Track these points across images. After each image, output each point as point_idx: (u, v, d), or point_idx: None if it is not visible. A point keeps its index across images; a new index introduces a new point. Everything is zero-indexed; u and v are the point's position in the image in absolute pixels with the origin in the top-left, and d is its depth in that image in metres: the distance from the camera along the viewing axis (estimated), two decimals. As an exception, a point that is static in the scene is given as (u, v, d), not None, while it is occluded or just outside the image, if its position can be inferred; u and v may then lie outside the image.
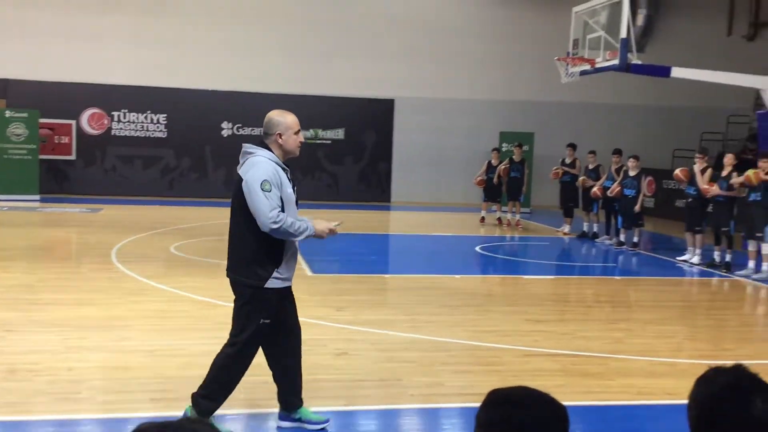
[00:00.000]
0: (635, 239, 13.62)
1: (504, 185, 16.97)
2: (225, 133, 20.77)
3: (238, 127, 20.82)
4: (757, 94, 15.69)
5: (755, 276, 11.02)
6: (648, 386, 5.83)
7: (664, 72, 12.83)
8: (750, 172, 10.83)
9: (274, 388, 4.73)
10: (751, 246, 11.26)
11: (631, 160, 13.49)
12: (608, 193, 13.99)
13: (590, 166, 15.39)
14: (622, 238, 13.92)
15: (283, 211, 4.23)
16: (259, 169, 4.23)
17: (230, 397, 4.56)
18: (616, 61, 12.17)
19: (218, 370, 4.41)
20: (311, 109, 20.93)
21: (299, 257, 10.97)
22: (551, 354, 6.60)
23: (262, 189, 4.15)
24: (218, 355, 4.46)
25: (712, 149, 21.18)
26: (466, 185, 19.16)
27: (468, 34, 21.47)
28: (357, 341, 6.73)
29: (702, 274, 11.64)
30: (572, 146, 15.88)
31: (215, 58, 20.28)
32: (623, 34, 11.91)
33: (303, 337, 6.92)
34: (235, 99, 20.55)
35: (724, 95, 19.96)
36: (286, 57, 20.64)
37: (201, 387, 4.45)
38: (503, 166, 16.89)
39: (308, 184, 21.20)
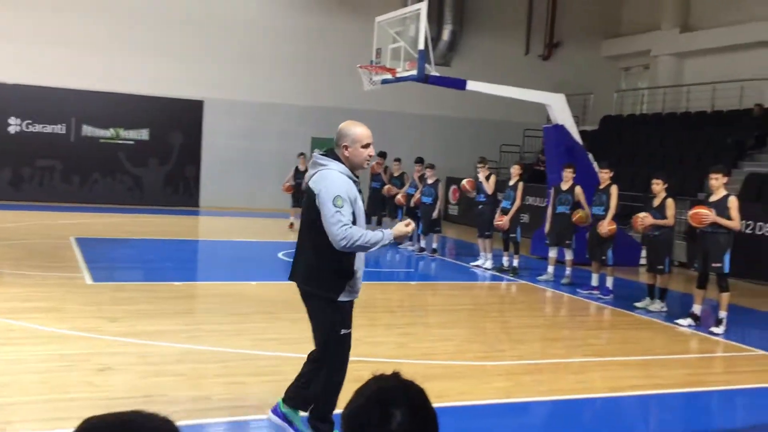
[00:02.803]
0: (434, 245, 14.06)
1: (312, 191, 16.91)
2: (12, 129, 19.04)
3: (27, 124, 19.17)
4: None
5: (541, 278, 11.77)
6: (421, 390, 5.88)
7: (461, 85, 13.34)
8: (581, 213, 11.33)
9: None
10: (552, 252, 11.93)
11: (428, 169, 13.92)
12: (411, 201, 14.37)
13: (395, 174, 15.75)
14: (422, 244, 14.32)
15: (355, 224, 4.22)
16: (333, 183, 4.18)
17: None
18: (415, 72, 12.46)
19: (327, 392, 4.47)
20: (112, 107, 19.80)
21: (82, 264, 10.28)
22: (332, 361, 6.51)
23: (335, 205, 4.10)
24: (315, 378, 4.51)
25: (510, 160, 22.52)
26: (278, 190, 18.89)
27: (281, 38, 21.30)
28: (125, 354, 6.26)
29: (492, 278, 12.21)
30: (382, 155, 16.16)
31: (1, 47, 18.52)
32: (421, 46, 12.23)
33: (65, 351, 6.43)
34: (24, 93, 18.92)
35: (521, 110, 21.22)
36: (85, 50, 19.31)
37: (312, 412, 4.52)
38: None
39: (108, 187, 20.01)
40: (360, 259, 4.37)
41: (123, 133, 20.10)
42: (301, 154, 17.45)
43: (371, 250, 4.23)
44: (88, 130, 19.70)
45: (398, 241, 4.35)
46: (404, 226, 4.29)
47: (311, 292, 4.37)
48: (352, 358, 6.65)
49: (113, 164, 19.94)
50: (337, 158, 4.30)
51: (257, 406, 5.12)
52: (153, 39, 19.95)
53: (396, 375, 1.58)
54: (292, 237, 16.04)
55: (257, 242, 14.84)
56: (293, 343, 7.03)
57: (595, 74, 24.75)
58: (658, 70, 23.09)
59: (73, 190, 19.61)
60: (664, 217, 9.52)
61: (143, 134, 20.28)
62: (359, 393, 1.55)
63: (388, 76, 13.17)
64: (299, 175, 16.98)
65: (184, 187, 20.90)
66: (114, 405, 5.07)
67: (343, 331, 4.39)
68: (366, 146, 4.31)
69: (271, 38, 21.20)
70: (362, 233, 4.13)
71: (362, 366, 6.41)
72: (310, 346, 6.94)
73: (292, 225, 17.17)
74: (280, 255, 13.03)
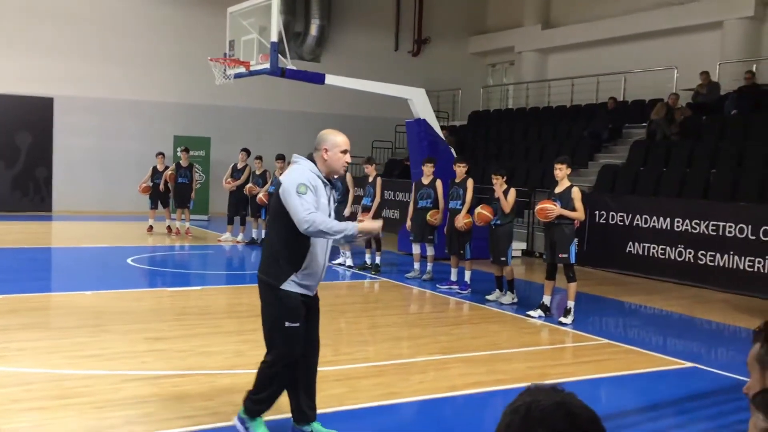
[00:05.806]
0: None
1: (171, 191, 16.14)
2: None
3: None
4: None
5: (409, 275, 11.62)
6: (248, 403, 5.45)
7: (319, 79, 12.96)
8: (429, 215, 11.24)
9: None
10: (415, 249, 11.75)
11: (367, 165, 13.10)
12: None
13: (257, 172, 15.20)
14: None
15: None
16: (297, 173, 4.42)
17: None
18: (268, 65, 11.99)
19: (262, 379, 4.58)
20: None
21: None
22: (155, 377, 5.98)
23: (298, 192, 4.29)
24: (261, 366, 4.59)
25: (382, 156, 22.43)
26: (137, 192, 17.92)
27: (136, 31, 20.21)
28: None
29: (353, 276, 11.92)
30: (246, 151, 15.65)
31: None
32: (273, 37, 11.76)
33: None
34: None
35: (392, 106, 21.09)
36: None
37: (251, 392, 4.63)
38: (170, 172, 16.04)
39: (-54, 193, 18.35)
40: (316, 253, 4.45)
41: (-40, 133, 18.49)
42: (160, 153, 16.55)
43: (335, 237, 4.38)
44: None
45: (362, 235, 4.41)
46: (374, 222, 4.49)
47: (260, 278, 4.51)
48: (177, 372, 6.16)
49: (-49, 168, 18.33)
50: (312, 160, 4.54)
51: (48, 435, 4.54)
52: (-6, 31, 18.44)
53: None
54: (150, 241, 15.30)
55: (106, 248, 13.88)
56: (116, 359, 6.44)
57: (462, 70, 25.06)
58: (522, 66, 23.62)
59: None
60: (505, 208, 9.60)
61: (-15, 135, 18.73)
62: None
63: (242, 69, 12.62)
64: (158, 175, 16.15)
65: (34, 190, 19.47)
66: None
67: (287, 324, 4.41)
68: (344, 152, 4.55)
69: (125, 31, 20.07)
70: (326, 219, 4.31)
71: (186, 381, 5.92)
72: (134, 361, 6.38)
73: (151, 228, 16.28)
74: (129, 261, 12.23)
